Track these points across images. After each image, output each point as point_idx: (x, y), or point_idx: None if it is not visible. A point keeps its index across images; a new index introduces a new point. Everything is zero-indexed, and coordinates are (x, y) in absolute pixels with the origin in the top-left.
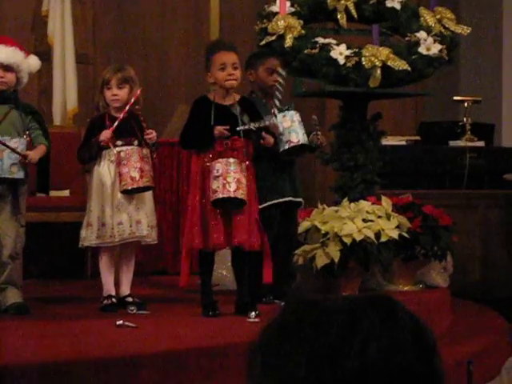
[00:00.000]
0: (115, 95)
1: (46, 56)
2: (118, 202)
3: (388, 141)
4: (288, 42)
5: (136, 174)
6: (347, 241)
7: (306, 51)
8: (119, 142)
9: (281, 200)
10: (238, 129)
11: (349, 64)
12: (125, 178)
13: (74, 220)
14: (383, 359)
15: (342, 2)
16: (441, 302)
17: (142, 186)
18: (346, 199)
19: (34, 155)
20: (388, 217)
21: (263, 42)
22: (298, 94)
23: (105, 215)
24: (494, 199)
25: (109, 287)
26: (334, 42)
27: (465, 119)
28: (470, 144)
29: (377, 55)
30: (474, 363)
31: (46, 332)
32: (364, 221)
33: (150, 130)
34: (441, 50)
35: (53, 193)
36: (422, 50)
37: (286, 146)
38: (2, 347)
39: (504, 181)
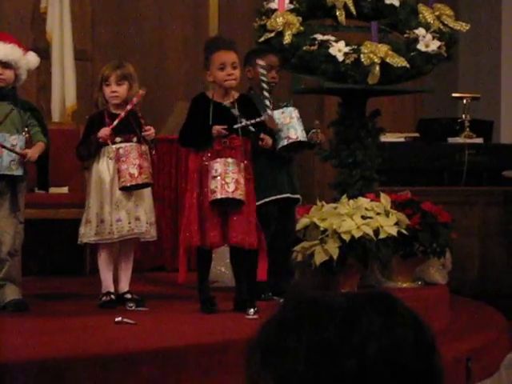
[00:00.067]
0: (114, 92)
1: (44, 53)
2: (116, 198)
3: (387, 137)
4: (287, 39)
5: (135, 171)
6: (346, 237)
7: (304, 48)
8: (118, 139)
9: (279, 196)
10: (235, 127)
11: (347, 61)
12: (123, 174)
13: (73, 217)
14: (382, 356)
15: None
16: (439, 299)
17: (141, 183)
18: (344, 196)
19: (33, 153)
20: (387, 214)
21: (262, 39)
22: (296, 90)
23: (104, 212)
24: (492, 196)
25: (107, 284)
26: (332, 38)
27: (464, 116)
28: (468, 141)
29: (375, 52)
30: (472, 360)
31: (44, 329)
32: (363, 218)
33: (149, 127)
34: (440, 47)
35: (52, 189)
36: (420, 46)
37: (285, 143)
38: (1, 344)
39: (503, 178)
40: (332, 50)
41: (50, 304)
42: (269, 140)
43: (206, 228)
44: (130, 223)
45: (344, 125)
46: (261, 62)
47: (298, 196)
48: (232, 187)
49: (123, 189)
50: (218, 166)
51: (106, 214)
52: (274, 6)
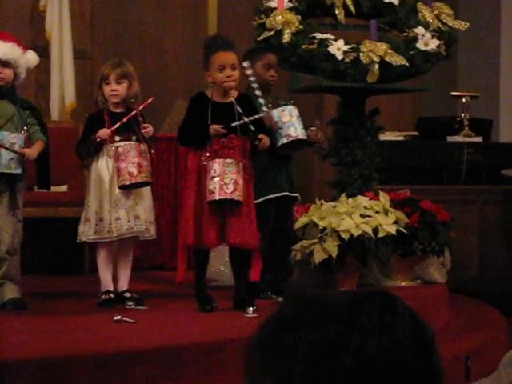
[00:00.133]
0: (114, 90)
1: (43, 51)
2: (115, 197)
3: (386, 136)
4: (286, 38)
5: (134, 170)
6: (345, 236)
7: (303, 47)
8: (117, 138)
9: (278, 195)
10: (233, 124)
11: (347, 59)
12: (123, 173)
13: (72, 215)
14: (382, 355)
15: None
16: (438, 298)
17: (140, 182)
18: (343, 195)
19: (32, 152)
20: (386, 212)
21: (261, 38)
22: (295, 89)
23: (103, 210)
24: (491, 195)
25: (107, 282)
26: (331, 37)
27: (463, 115)
28: (467, 139)
29: (375, 51)
30: (471, 358)
31: (43, 327)
32: (362, 216)
33: (147, 124)
34: (439, 46)
35: (51, 188)
36: (419, 45)
37: (285, 141)
38: (0, 342)
39: (502, 176)
40: (331, 49)
41: (49, 302)
42: (267, 141)
43: (203, 227)
44: (129, 222)
45: (343, 123)
46: (245, 64)
47: (296, 194)
48: (231, 188)
49: (122, 187)
50: (216, 166)
51: (105, 212)
52: (273, 4)
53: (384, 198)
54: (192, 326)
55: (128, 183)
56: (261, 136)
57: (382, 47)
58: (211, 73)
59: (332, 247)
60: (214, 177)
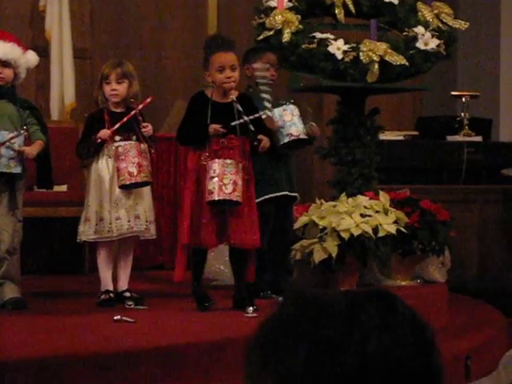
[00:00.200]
0: (114, 90)
1: (43, 51)
2: (116, 197)
3: (386, 136)
4: (286, 37)
5: (134, 169)
6: (345, 236)
7: (303, 46)
8: (117, 137)
9: (277, 194)
10: (232, 124)
11: (346, 59)
12: (123, 173)
13: (72, 215)
14: (382, 354)
15: None
16: (438, 297)
17: (140, 182)
18: (343, 194)
19: (31, 150)
20: (386, 212)
21: (261, 37)
22: (295, 88)
23: (103, 210)
24: (491, 194)
25: (106, 282)
26: (331, 36)
27: (463, 114)
28: (467, 139)
29: (374, 50)
30: (471, 358)
31: (43, 327)
32: (362, 216)
33: (146, 124)
34: (439, 45)
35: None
36: (419, 44)
37: (286, 140)
38: (0, 342)
39: (502, 176)
40: (331, 48)
41: (49, 302)
42: (267, 143)
43: (201, 227)
44: (129, 221)
45: (343, 123)
46: (256, 65)
47: (295, 194)
48: (230, 189)
49: (122, 187)
50: (216, 166)
51: (105, 212)
52: (273, 4)
53: (384, 198)
54: (192, 325)
55: (128, 183)
56: (260, 137)
57: (382, 47)
58: (211, 73)
59: (332, 247)
60: (213, 177)
